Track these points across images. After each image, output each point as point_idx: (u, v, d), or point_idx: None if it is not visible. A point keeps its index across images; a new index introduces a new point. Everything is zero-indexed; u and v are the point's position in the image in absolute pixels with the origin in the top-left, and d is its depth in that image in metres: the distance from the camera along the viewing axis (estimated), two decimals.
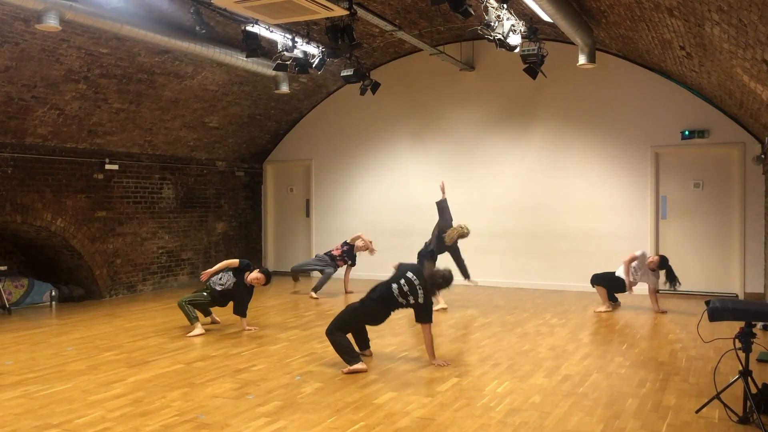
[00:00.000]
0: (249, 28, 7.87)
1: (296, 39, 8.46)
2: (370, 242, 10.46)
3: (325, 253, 10.65)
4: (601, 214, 10.57)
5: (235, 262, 7.60)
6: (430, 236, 9.23)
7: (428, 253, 8.96)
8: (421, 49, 10.64)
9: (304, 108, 12.81)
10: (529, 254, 11.07)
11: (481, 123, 11.48)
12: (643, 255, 8.62)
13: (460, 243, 9.01)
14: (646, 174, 10.34)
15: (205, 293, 7.55)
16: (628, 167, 10.45)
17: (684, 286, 9.41)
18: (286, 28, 8.32)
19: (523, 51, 8.28)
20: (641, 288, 9.01)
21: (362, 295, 6.23)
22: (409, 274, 5.89)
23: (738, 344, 4.31)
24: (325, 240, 12.35)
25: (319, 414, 4.57)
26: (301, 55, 8.53)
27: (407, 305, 5.86)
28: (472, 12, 6.51)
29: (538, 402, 4.84)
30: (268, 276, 7.59)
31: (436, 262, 8.67)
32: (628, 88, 10.34)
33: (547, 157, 10.98)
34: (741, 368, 4.31)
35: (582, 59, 8.91)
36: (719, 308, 4.29)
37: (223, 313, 8.09)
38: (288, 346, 6.79)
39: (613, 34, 8.90)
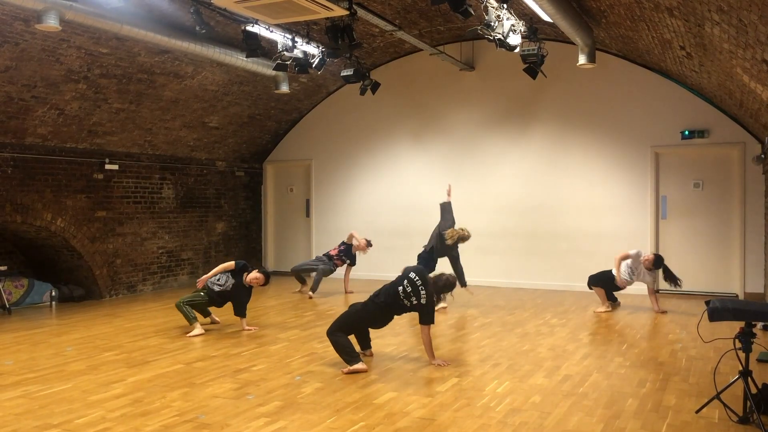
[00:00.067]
0: (249, 28, 7.87)
1: (296, 39, 8.46)
2: (363, 240, 10.46)
3: (323, 254, 10.69)
4: (601, 214, 10.57)
5: (231, 264, 7.59)
6: (429, 237, 9.23)
7: (428, 254, 8.96)
8: (421, 49, 10.64)
9: (304, 108, 12.81)
10: (529, 254, 11.07)
11: (481, 123, 11.48)
12: (638, 254, 8.61)
13: (460, 248, 9.00)
14: (646, 174, 10.34)
15: (202, 293, 7.56)
16: (628, 167, 10.45)
17: (684, 286, 9.41)
18: (286, 28, 8.32)
19: (523, 51, 8.29)
20: (641, 288, 9.02)
21: (362, 295, 6.23)
22: (412, 275, 5.92)
23: (738, 344, 4.31)
24: (325, 240, 12.36)
25: (319, 414, 4.57)
26: (301, 55, 8.53)
27: (411, 307, 5.87)
28: (472, 12, 6.51)
29: (538, 402, 4.84)
30: (267, 276, 7.59)
31: (436, 265, 8.68)
32: (628, 88, 10.35)
33: (547, 157, 10.98)
34: (741, 368, 4.31)
35: (582, 59, 8.91)
36: (719, 308, 4.29)
37: (223, 314, 8.09)
38: (288, 346, 6.79)
39: (613, 34, 8.90)
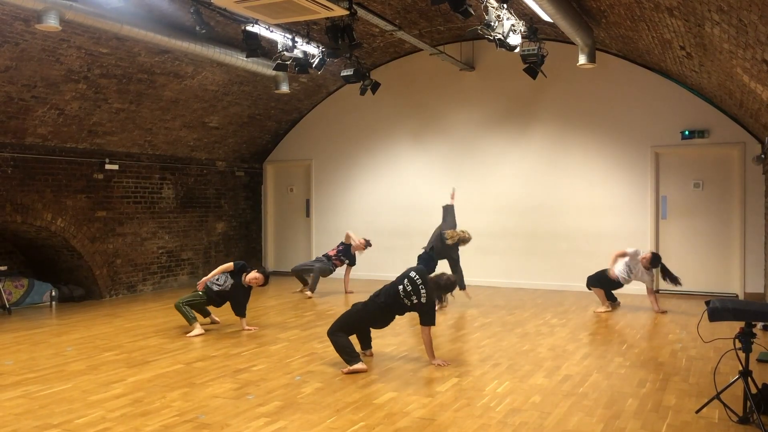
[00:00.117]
0: (249, 28, 7.87)
1: (296, 39, 8.46)
2: (362, 240, 10.49)
3: (323, 255, 10.73)
4: (601, 214, 10.57)
5: (230, 266, 7.59)
6: (430, 238, 9.23)
7: (427, 256, 8.95)
8: (421, 49, 10.64)
9: (304, 108, 12.81)
10: (530, 254, 11.07)
11: (481, 123, 11.48)
12: (636, 253, 8.61)
13: (460, 251, 9.01)
14: (646, 174, 10.34)
15: (201, 293, 7.57)
16: (628, 167, 10.45)
17: (684, 286, 9.40)
18: (286, 28, 8.32)
19: (523, 51, 8.28)
20: (640, 288, 9.01)
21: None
22: (412, 274, 5.94)
23: (738, 344, 4.31)
24: (325, 240, 12.36)
25: (319, 414, 4.57)
26: (301, 55, 8.53)
27: (411, 307, 5.87)
28: (472, 12, 6.51)
29: (538, 402, 4.84)
30: (266, 276, 7.59)
31: (437, 266, 8.68)
32: (628, 88, 10.34)
33: (547, 157, 10.98)
34: (741, 368, 4.31)
35: (582, 59, 8.91)
36: (719, 308, 4.29)
37: (223, 314, 8.09)
38: (288, 346, 6.79)
39: (613, 34, 8.90)
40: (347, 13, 6.63)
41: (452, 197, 9.43)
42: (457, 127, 11.65)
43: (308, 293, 10.15)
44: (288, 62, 8.53)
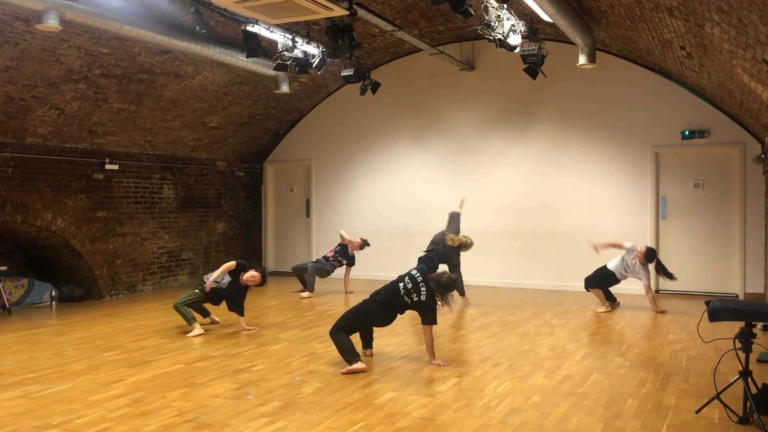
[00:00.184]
0: (249, 28, 7.87)
1: (296, 39, 8.46)
2: (357, 240, 10.52)
3: (322, 257, 10.76)
4: (601, 214, 10.56)
5: (232, 264, 7.59)
6: (430, 241, 9.23)
7: (428, 258, 8.95)
8: (422, 49, 10.64)
9: (304, 108, 12.81)
10: (530, 254, 11.07)
11: (481, 123, 11.48)
12: (633, 247, 8.63)
13: (462, 257, 9.02)
14: (646, 174, 10.34)
15: (197, 290, 7.58)
16: (628, 167, 10.45)
17: (684, 286, 9.43)
18: (286, 28, 8.32)
19: (523, 51, 8.28)
20: (640, 288, 8.99)
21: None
22: (413, 272, 5.96)
23: (738, 344, 4.31)
24: (325, 240, 12.36)
25: (319, 414, 4.58)
26: (301, 55, 8.53)
27: (411, 304, 5.86)
28: (472, 12, 6.51)
29: (538, 402, 4.84)
30: (264, 276, 7.58)
31: (437, 269, 8.68)
32: (628, 88, 10.34)
33: (547, 157, 10.98)
34: (741, 368, 4.31)
35: (582, 59, 8.91)
36: (719, 308, 4.29)
37: (223, 314, 8.09)
38: (288, 346, 6.79)
39: (613, 34, 8.90)
40: (347, 13, 6.63)
41: (461, 206, 9.47)
42: (457, 127, 11.65)
43: (304, 294, 10.17)
44: (288, 62, 8.53)
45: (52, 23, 6.71)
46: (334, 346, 5.92)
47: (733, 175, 9.91)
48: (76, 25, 7.48)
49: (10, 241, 9.89)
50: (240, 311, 7.60)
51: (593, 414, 4.56)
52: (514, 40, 7.24)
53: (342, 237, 10.63)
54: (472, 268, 9.73)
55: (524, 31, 7.56)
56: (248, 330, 7.56)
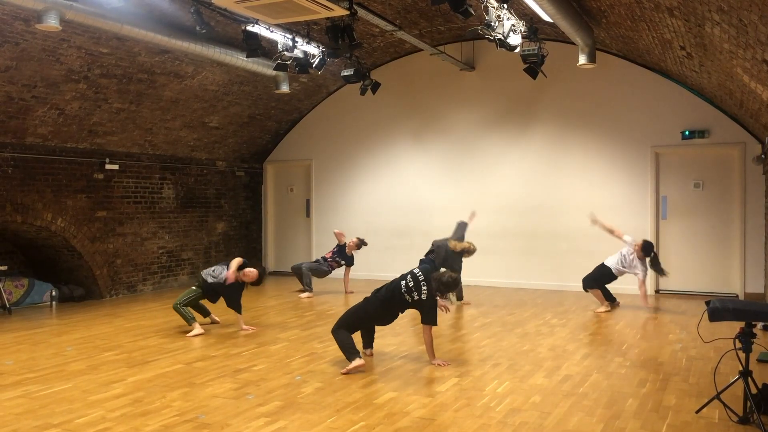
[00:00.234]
0: (249, 28, 7.87)
1: (296, 39, 8.46)
2: (354, 240, 10.56)
3: (321, 257, 10.81)
4: (601, 214, 10.47)
5: (240, 260, 7.62)
6: (431, 244, 9.22)
7: (428, 260, 8.94)
8: (422, 49, 10.64)
9: (305, 108, 12.81)
10: (530, 254, 11.07)
11: (481, 123, 11.48)
12: (632, 241, 8.67)
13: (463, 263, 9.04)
14: (647, 174, 10.34)
15: (194, 287, 7.60)
16: (628, 167, 10.45)
17: (684, 286, 9.41)
18: (287, 28, 8.32)
19: (524, 51, 8.28)
20: (635, 287, 8.97)
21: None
22: (416, 270, 5.97)
23: (738, 344, 4.31)
24: (325, 240, 12.36)
25: (319, 414, 4.58)
26: (301, 55, 8.53)
27: (412, 303, 5.86)
28: (473, 12, 6.51)
29: (538, 402, 4.84)
30: (261, 275, 7.57)
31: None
32: (628, 88, 10.34)
33: (547, 157, 10.98)
34: (741, 368, 4.31)
35: (582, 59, 8.91)
36: (719, 308, 4.28)
37: (223, 314, 8.09)
38: (288, 346, 6.79)
39: (614, 34, 8.90)
40: (347, 13, 6.63)
41: (470, 219, 9.50)
42: (457, 127, 11.65)
43: (303, 295, 10.18)
44: (288, 62, 8.53)
45: (52, 23, 6.71)
46: (335, 345, 5.92)
47: (733, 175, 9.91)
48: (76, 25, 7.48)
49: (10, 241, 9.89)
50: (237, 309, 7.58)
51: (593, 414, 4.56)
52: (514, 40, 7.24)
53: (336, 236, 10.64)
54: (472, 268, 9.72)
55: (524, 31, 7.56)
56: (246, 330, 7.55)
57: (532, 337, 7.15)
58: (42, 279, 9.90)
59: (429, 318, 5.84)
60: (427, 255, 9.13)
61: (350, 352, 5.69)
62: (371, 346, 6.30)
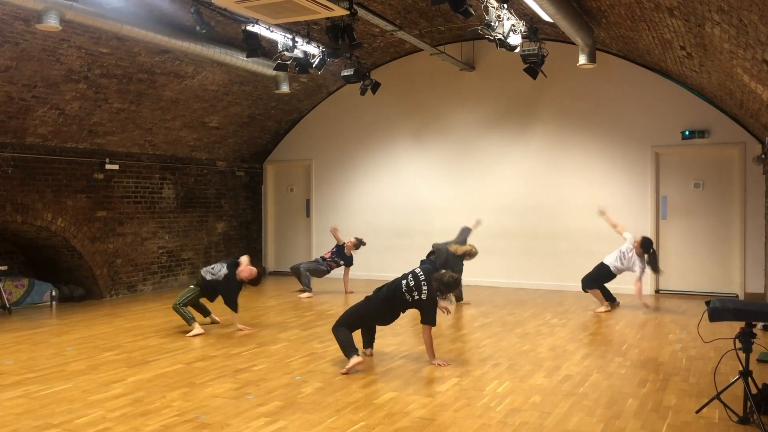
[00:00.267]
0: (249, 27, 7.87)
1: (296, 39, 8.46)
2: (351, 240, 10.59)
3: (320, 257, 10.84)
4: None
5: (248, 257, 7.67)
6: (432, 247, 9.22)
7: (429, 261, 8.93)
8: (422, 49, 10.64)
9: (305, 108, 12.81)
10: (530, 254, 11.07)
11: (481, 123, 11.48)
12: (631, 238, 8.66)
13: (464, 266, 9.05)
14: (647, 174, 10.34)
15: (192, 286, 7.61)
16: (628, 167, 10.45)
17: (684, 286, 9.39)
18: (287, 27, 8.32)
19: (524, 51, 8.28)
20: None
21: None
22: (417, 270, 5.98)
23: (738, 344, 4.31)
24: (325, 240, 12.35)
25: (319, 414, 4.58)
26: (301, 55, 8.53)
27: (412, 302, 5.87)
28: (473, 12, 6.51)
29: (538, 402, 4.84)
30: (259, 275, 7.58)
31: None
32: (628, 88, 10.34)
33: (547, 157, 10.98)
34: (741, 368, 4.31)
35: (582, 59, 8.91)
36: (719, 308, 4.28)
37: (224, 314, 8.09)
38: (288, 346, 6.79)
39: (614, 34, 8.90)
40: (347, 13, 6.63)
41: (475, 226, 9.50)
42: (457, 127, 11.65)
43: (303, 295, 10.19)
44: (288, 62, 8.53)
45: (52, 23, 6.71)
46: (335, 345, 5.92)
47: (733, 175, 9.91)
48: (76, 25, 7.48)
49: (10, 241, 9.89)
50: (234, 307, 7.54)
51: (593, 414, 4.56)
52: (514, 40, 7.24)
53: (333, 233, 10.68)
54: (472, 268, 9.71)
55: (524, 31, 7.56)
56: (242, 330, 7.53)
57: (532, 337, 7.15)
58: (42, 279, 9.90)
59: (428, 318, 5.84)
60: (428, 257, 9.12)
61: (348, 350, 5.69)
62: (371, 346, 6.31)
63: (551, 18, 7.56)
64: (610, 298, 8.89)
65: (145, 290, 10.86)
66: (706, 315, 4.36)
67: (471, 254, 8.87)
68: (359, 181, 12.57)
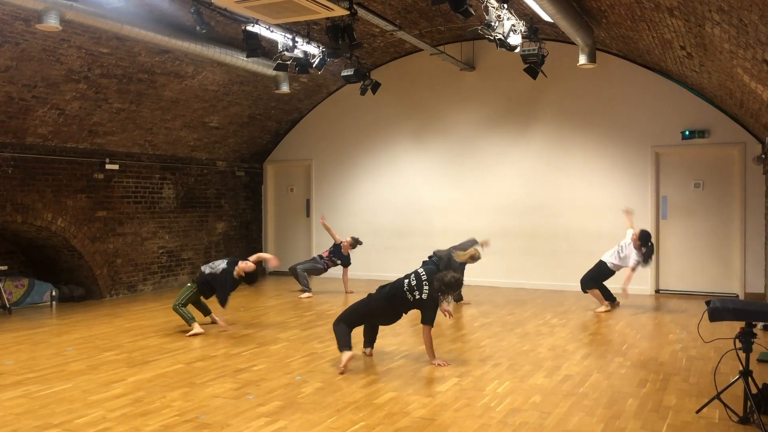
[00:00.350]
0: (249, 27, 7.87)
1: (296, 39, 8.46)
2: (348, 239, 10.59)
3: (317, 255, 10.89)
4: (601, 214, 10.55)
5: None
6: (434, 251, 9.21)
7: (431, 263, 8.92)
8: (422, 49, 10.64)
9: (305, 108, 12.81)
10: (530, 254, 11.07)
11: (481, 123, 11.48)
12: (632, 233, 8.67)
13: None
14: (647, 174, 10.34)
15: (189, 284, 7.62)
16: (628, 167, 10.45)
17: (684, 286, 9.36)
18: (287, 27, 8.32)
19: (524, 51, 8.28)
20: (640, 288, 8.99)
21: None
22: (420, 270, 5.99)
23: (738, 344, 4.31)
24: (325, 240, 12.32)
25: (319, 414, 4.58)
26: (301, 55, 8.53)
27: (413, 302, 5.87)
28: (473, 12, 6.51)
29: (538, 402, 4.84)
30: (256, 273, 7.55)
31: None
32: (628, 87, 10.34)
33: (547, 157, 10.98)
34: (741, 368, 4.31)
35: (582, 59, 8.91)
36: (719, 308, 4.28)
37: (224, 314, 8.08)
38: (288, 346, 6.79)
39: (614, 34, 8.90)
40: (347, 13, 6.63)
41: (483, 245, 9.36)
42: (457, 127, 11.65)
43: (303, 295, 10.19)
44: (288, 62, 8.53)
45: (52, 23, 6.71)
46: (336, 345, 5.92)
47: (733, 175, 9.91)
48: (77, 25, 7.48)
49: (10, 241, 9.89)
50: (223, 302, 7.43)
51: (593, 414, 4.56)
52: (515, 40, 7.24)
53: (325, 227, 10.74)
54: (472, 267, 9.70)
55: (524, 31, 7.56)
56: (222, 326, 7.47)
57: (532, 337, 7.15)
58: (42, 279, 9.90)
59: (427, 318, 5.85)
60: (429, 258, 9.11)
61: (341, 345, 5.70)
62: (372, 346, 6.31)
63: (551, 18, 7.56)
64: (609, 298, 8.89)
65: (145, 290, 10.86)
66: (706, 315, 4.36)
67: (474, 257, 8.83)
68: (359, 181, 12.57)
